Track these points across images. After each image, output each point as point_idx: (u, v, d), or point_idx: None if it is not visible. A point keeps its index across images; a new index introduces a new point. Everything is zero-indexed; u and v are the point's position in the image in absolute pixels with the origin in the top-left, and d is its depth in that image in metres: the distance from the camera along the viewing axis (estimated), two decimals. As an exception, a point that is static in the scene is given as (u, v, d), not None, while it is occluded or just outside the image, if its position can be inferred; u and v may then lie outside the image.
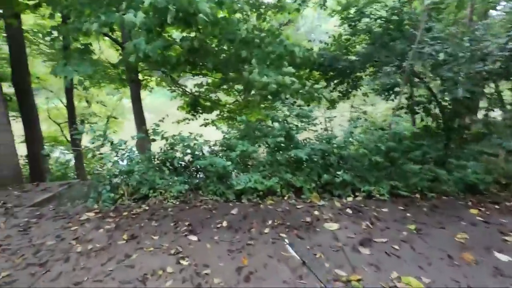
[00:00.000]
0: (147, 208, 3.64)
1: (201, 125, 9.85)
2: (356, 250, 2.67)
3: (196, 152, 4.13)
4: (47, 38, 3.98)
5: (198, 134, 4.25)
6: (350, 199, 3.91)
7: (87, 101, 17.88)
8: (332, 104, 4.64)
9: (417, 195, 3.90)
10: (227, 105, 9.08)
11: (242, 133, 4.64)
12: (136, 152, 4.24)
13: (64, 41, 4.70)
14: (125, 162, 4.11)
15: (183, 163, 4.16)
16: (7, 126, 5.26)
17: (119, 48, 6.94)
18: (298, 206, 3.67)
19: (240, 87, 8.47)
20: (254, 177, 3.80)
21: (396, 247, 2.69)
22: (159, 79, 9.76)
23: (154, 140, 4.38)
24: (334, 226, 3.17)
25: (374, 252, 2.62)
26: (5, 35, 6.90)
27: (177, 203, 3.85)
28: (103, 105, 11.18)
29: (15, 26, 6.04)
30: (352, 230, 3.05)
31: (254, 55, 4.33)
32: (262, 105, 9.27)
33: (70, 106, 8.40)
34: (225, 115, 10.01)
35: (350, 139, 4.23)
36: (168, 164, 4.02)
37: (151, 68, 4.69)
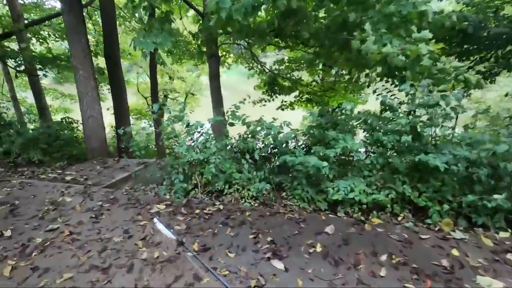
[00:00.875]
0: (221, 207, 3.05)
1: (277, 108, 9.09)
2: None
3: (282, 144, 3.33)
4: (130, 5, 3.58)
5: (286, 122, 3.41)
6: (505, 235, 2.61)
7: (169, 77, 18.86)
8: (477, 86, 3.20)
9: None
10: (309, 86, 7.99)
11: (331, 121, 3.63)
12: (213, 138, 3.67)
13: (147, 9, 4.33)
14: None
15: (263, 154, 3.43)
16: (96, 100, 5.36)
17: (201, 19, 6.50)
18: (423, 236, 2.58)
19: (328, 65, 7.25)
20: (358, 186, 2.82)
21: None
22: (237, 55, 9.21)
23: (232, 124, 3.75)
24: (494, 283, 2.02)
25: None
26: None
27: (256, 204, 3.17)
28: (183, 81, 11.36)
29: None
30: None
31: (367, 19, 3.19)
32: (348, 88, 7.92)
33: (153, 81, 8.56)
34: (303, 97, 8.98)
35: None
36: (247, 155, 3.33)
37: (235, 37, 4.00)
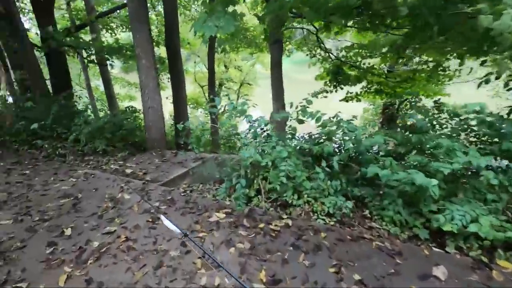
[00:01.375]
0: (290, 222, 2.55)
1: (341, 100, 8.20)
2: None
3: (367, 151, 2.67)
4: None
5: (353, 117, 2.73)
6: None
7: (225, 66, 18.89)
8: None
9: None
10: (383, 76, 6.93)
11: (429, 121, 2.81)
12: (278, 139, 3.17)
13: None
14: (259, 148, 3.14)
15: (342, 162, 2.81)
16: (157, 90, 5.27)
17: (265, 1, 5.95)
18: None
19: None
20: (482, 216, 2.05)
21: None
22: (298, 41, 8.48)
23: (301, 121, 3.20)
24: None
25: None
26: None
27: (332, 223, 2.60)
28: (240, 70, 11.06)
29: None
30: None
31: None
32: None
33: (211, 70, 8.38)
34: (372, 88, 7.92)
35: None
36: (324, 162, 2.75)
37: (310, 17, 3.37)
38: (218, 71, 18.33)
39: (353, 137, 2.51)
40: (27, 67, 5.91)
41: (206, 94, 18.25)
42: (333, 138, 2.80)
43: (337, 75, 7.42)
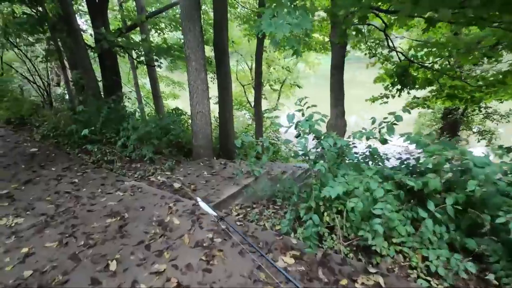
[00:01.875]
0: (381, 281, 1.94)
1: (406, 106, 7.21)
2: None
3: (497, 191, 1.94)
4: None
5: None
6: None
7: (267, 65, 18.36)
8: None
9: None
10: (465, 78, 5.88)
11: None
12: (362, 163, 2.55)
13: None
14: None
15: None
16: (206, 94, 4.92)
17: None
18: None
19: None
20: None
21: None
22: (356, 39, 7.62)
23: (385, 142, 2.55)
24: None
25: None
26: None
27: (441, 288, 1.93)
28: (288, 70, 10.35)
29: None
30: None
31: None
32: None
33: (258, 70, 7.89)
34: (444, 92, 6.84)
35: None
36: (431, 204, 2.08)
37: (407, 11, 2.67)
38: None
39: (481, 176, 1.81)
40: (80, 67, 5.97)
41: (248, 94, 17.98)
42: (442, 169, 2.11)
43: (402, 77, 6.48)
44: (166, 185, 3.63)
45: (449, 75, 5.81)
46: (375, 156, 2.77)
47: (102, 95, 6.84)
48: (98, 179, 3.77)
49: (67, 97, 7.83)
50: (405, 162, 2.61)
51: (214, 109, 7.05)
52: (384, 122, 2.61)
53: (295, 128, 2.52)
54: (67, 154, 4.65)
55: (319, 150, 2.73)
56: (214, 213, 2.41)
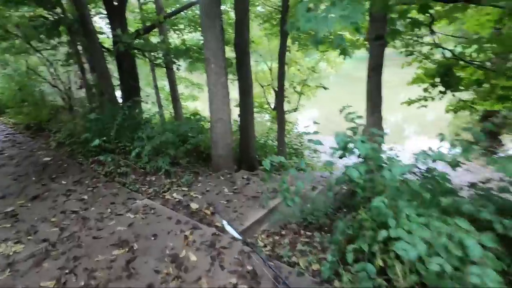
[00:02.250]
0: None
1: (447, 111, 6.46)
2: None
3: None
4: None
5: None
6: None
7: (287, 65, 17.69)
8: None
9: None
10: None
11: None
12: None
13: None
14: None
15: None
16: (227, 99, 4.47)
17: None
18: None
19: None
20: None
21: None
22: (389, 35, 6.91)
23: (457, 165, 1.97)
24: None
25: None
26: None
27: None
28: (313, 71, 9.68)
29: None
30: None
31: None
32: None
33: (281, 71, 7.36)
34: (495, 94, 6.01)
35: None
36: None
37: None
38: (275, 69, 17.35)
39: None
40: (97, 71, 5.72)
41: (267, 95, 17.45)
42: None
43: (446, 77, 5.73)
44: (182, 205, 3.21)
45: (508, 75, 5.01)
46: (440, 181, 2.18)
47: (121, 99, 6.61)
48: (108, 195, 3.41)
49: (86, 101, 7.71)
50: (482, 191, 2.02)
51: (233, 112, 6.64)
52: (456, 139, 2.03)
53: (342, 149, 1.99)
54: (80, 165, 4.37)
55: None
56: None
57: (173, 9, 9.67)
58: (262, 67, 17.03)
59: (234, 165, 5.00)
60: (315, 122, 4.85)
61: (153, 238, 2.54)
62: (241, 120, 6.43)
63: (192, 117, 5.93)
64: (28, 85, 8.23)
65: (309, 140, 2.31)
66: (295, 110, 16.21)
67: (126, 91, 6.52)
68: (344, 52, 2.44)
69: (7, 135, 6.07)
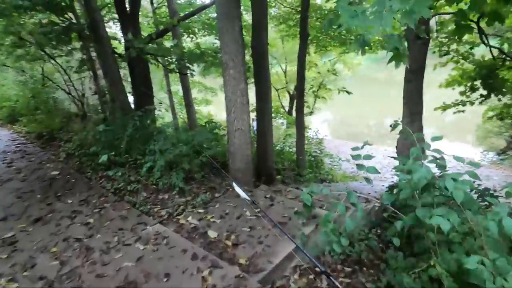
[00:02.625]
0: None
1: (489, 118, 5.82)
2: None
3: None
4: None
5: None
6: None
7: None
8: None
9: None
10: None
11: None
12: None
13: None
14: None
15: None
16: (246, 108, 4.06)
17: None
18: None
19: None
20: None
21: None
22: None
23: None
24: None
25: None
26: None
27: None
28: (334, 74, 9.06)
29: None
30: None
31: None
32: None
33: (300, 74, 6.89)
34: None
35: None
36: None
37: None
38: (293, 72, 16.86)
39: None
40: (109, 77, 5.45)
41: (282, 99, 16.96)
42: None
43: (489, 79, 5.11)
44: (198, 232, 2.80)
45: None
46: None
47: (133, 107, 6.33)
48: (116, 218, 3.04)
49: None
50: None
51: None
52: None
53: (423, 189, 1.52)
54: (88, 180, 4.05)
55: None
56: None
57: (187, 12, 9.41)
58: (276, 69, 16.60)
59: (253, 178, 4.57)
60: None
61: (165, 280, 2.13)
62: (259, 127, 6.00)
63: (207, 125, 5.54)
64: (42, 92, 8.11)
65: (359, 167, 1.85)
66: (310, 113, 15.66)
67: (138, 97, 6.23)
68: (397, 58, 1.94)
69: (18, 145, 5.89)
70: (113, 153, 3.98)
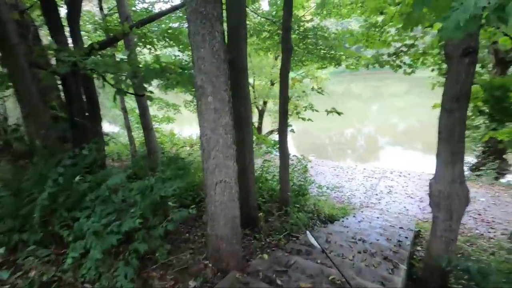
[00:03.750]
0: None
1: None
2: None
3: None
4: None
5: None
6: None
7: (271, 82, 16.61)
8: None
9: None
10: None
11: None
12: None
13: None
14: None
15: None
16: (231, 150, 2.79)
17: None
18: None
19: None
20: None
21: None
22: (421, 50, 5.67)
23: None
24: None
25: None
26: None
27: None
28: (320, 93, 7.92)
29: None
30: None
31: None
32: None
33: (284, 93, 5.77)
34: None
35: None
36: None
37: None
38: (265, 86, 15.99)
39: None
40: (24, 102, 3.81)
41: (259, 117, 15.89)
42: None
43: (501, 103, 4.47)
44: None
45: None
46: None
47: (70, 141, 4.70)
48: None
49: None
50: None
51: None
52: None
53: None
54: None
55: None
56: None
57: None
58: (250, 82, 15.59)
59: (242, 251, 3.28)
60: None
61: None
62: (238, 161, 4.73)
63: (171, 164, 4.13)
64: None
65: None
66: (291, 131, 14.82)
67: (77, 128, 4.62)
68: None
69: None
70: (18, 229, 2.43)
